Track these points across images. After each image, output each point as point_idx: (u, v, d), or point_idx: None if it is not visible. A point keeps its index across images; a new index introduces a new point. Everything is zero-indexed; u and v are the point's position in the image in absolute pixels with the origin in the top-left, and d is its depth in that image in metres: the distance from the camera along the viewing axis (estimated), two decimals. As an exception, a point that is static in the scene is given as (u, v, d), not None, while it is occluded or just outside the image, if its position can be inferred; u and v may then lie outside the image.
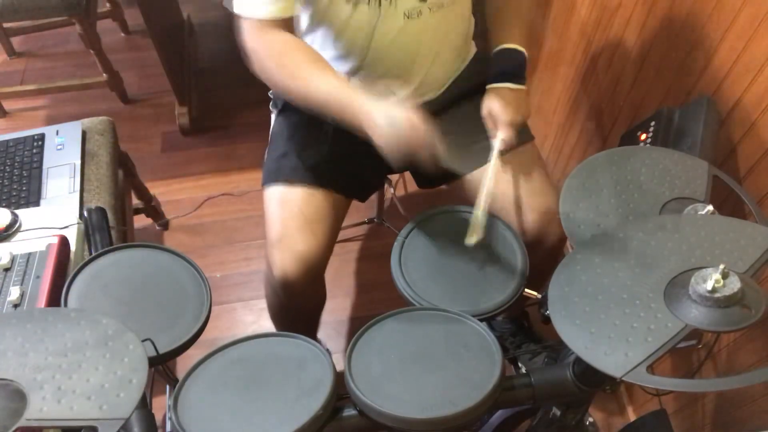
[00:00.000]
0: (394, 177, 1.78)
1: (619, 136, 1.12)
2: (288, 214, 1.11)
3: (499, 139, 1.06)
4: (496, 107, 1.08)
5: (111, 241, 1.12)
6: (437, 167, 0.88)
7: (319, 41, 1.08)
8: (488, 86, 1.12)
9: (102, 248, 1.00)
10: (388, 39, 1.04)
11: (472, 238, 0.95)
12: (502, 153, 1.11)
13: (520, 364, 1.51)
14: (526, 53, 1.10)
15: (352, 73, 1.10)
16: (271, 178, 1.16)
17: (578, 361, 0.82)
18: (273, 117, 1.27)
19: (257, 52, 0.97)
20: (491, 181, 1.01)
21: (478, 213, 0.97)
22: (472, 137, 1.19)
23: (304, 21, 1.10)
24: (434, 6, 1.03)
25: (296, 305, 1.20)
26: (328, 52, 1.09)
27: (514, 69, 1.10)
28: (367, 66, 1.09)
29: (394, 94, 1.13)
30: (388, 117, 0.86)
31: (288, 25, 0.99)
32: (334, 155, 1.17)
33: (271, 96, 1.27)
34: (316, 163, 1.15)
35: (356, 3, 0.99)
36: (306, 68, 0.96)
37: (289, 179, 1.14)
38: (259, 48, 0.97)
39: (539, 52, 1.79)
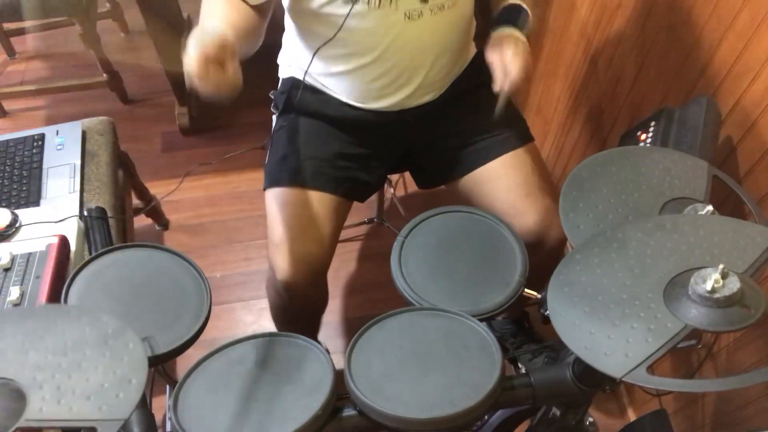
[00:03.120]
0: (394, 177, 1.78)
1: (619, 136, 1.12)
2: (290, 216, 1.11)
3: (508, 80, 1.01)
4: (505, 44, 1.02)
5: (111, 241, 1.12)
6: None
7: (317, 41, 1.08)
8: (493, 33, 1.07)
9: (102, 248, 0.99)
10: (389, 39, 1.04)
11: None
12: (497, 149, 1.10)
13: (520, 365, 1.51)
14: (530, 13, 1.09)
15: (354, 71, 1.10)
16: (273, 181, 1.16)
17: (578, 361, 0.82)
18: (274, 119, 1.27)
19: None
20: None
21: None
22: (473, 137, 1.19)
23: (300, 19, 1.10)
24: (435, 7, 1.03)
25: (299, 307, 1.20)
26: (329, 52, 1.09)
27: (519, 20, 1.07)
28: (368, 66, 1.09)
29: (396, 94, 1.14)
30: (202, 36, 0.81)
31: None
32: (335, 157, 1.17)
33: (272, 97, 1.27)
34: (317, 165, 1.15)
35: (355, 2, 0.99)
36: (207, 8, 0.95)
37: (291, 182, 1.14)
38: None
39: (539, 52, 1.79)
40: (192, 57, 0.78)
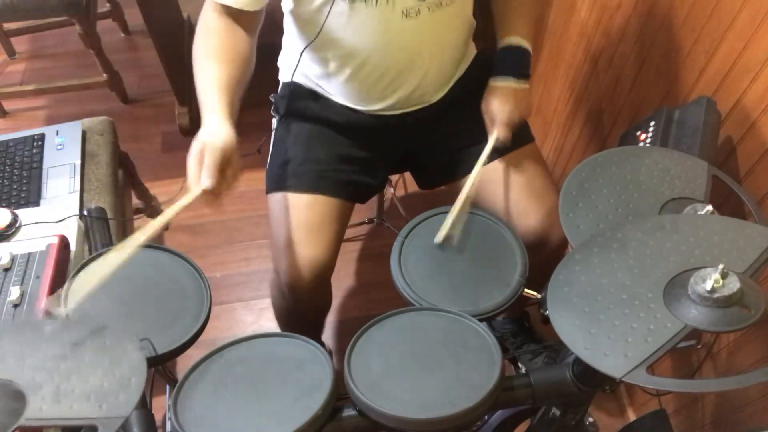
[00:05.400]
0: (394, 177, 1.78)
1: (619, 136, 1.12)
2: (294, 220, 1.11)
3: (494, 137, 1.08)
4: (495, 105, 1.09)
5: (111, 241, 1.12)
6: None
7: (316, 41, 1.08)
8: (491, 82, 1.12)
9: (102, 248, 0.99)
10: (386, 38, 1.04)
11: (440, 235, 0.96)
12: (497, 151, 1.11)
13: (520, 365, 1.51)
14: (530, 50, 1.10)
15: (353, 72, 1.10)
16: (275, 185, 1.16)
17: (578, 361, 0.82)
18: (274, 122, 1.26)
19: (198, 25, 1.00)
20: (475, 179, 1.04)
21: (455, 209, 0.99)
22: (474, 139, 1.19)
23: (297, 20, 1.10)
24: (433, 5, 1.03)
25: (303, 309, 1.20)
26: (327, 53, 1.09)
27: (518, 66, 1.10)
28: (366, 65, 1.08)
29: (395, 94, 1.14)
30: (199, 138, 0.87)
31: (242, 17, 0.99)
32: (336, 160, 1.17)
33: (272, 99, 1.27)
34: (320, 169, 1.15)
35: (353, 1, 0.99)
36: (206, 57, 0.96)
37: (294, 186, 1.14)
38: (199, 22, 0.99)
39: (539, 52, 1.79)
40: (194, 175, 0.84)
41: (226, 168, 0.87)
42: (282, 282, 1.11)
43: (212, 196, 0.85)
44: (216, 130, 0.87)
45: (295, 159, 1.16)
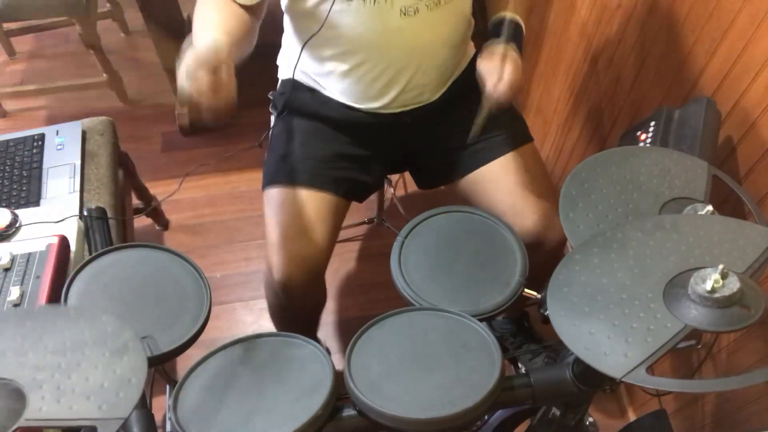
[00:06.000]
0: (394, 177, 1.78)
1: (619, 136, 1.12)
2: (288, 216, 1.11)
3: (490, 97, 1.01)
4: (489, 64, 1.02)
5: (111, 241, 1.12)
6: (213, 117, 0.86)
7: (314, 39, 1.08)
8: (484, 46, 1.06)
9: (102, 248, 1.00)
10: (385, 37, 1.04)
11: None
12: (496, 150, 1.10)
13: (520, 365, 1.51)
14: (523, 25, 1.08)
15: (351, 70, 1.10)
16: (271, 180, 1.16)
17: (578, 361, 0.82)
18: (272, 119, 1.27)
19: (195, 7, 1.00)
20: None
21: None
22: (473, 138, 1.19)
23: (295, 17, 1.10)
24: (432, 4, 1.03)
25: (297, 306, 1.20)
26: (325, 50, 1.09)
27: (512, 35, 1.05)
28: (364, 63, 1.08)
29: (393, 92, 1.13)
30: (195, 49, 0.86)
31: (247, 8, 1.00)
32: (333, 157, 1.17)
33: (271, 98, 1.27)
34: (316, 165, 1.15)
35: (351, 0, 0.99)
36: (200, 14, 0.98)
37: (289, 182, 1.14)
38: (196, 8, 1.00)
39: (539, 52, 1.79)
40: (184, 63, 0.83)
41: (220, 68, 0.85)
42: (274, 278, 1.11)
43: (210, 103, 0.84)
44: (208, 38, 0.87)
45: (292, 155, 1.17)
